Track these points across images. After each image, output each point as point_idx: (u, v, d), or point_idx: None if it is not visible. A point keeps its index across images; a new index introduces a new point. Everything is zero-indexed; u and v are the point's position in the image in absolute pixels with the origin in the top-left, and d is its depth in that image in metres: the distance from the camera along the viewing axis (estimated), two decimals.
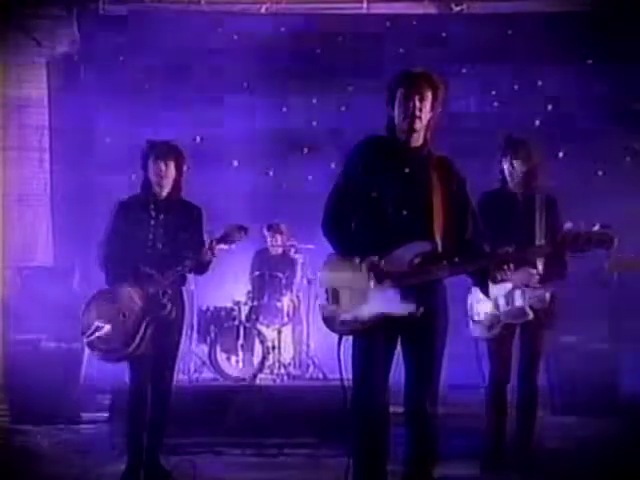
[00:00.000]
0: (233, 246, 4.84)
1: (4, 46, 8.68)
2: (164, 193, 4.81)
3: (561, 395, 6.98)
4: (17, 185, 8.83)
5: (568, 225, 3.80)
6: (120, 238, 4.78)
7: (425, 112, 3.76)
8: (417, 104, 3.73)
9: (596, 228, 3.69)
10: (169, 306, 4.65)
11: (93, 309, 4.69)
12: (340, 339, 3.77)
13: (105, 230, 4.87)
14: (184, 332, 5.00)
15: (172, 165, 4.77)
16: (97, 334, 4.62)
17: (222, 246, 4.69)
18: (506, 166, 5.07)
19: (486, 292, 4.05)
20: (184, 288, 4.94)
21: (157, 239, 4.75)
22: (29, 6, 8.70)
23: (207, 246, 4.62)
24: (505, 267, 3.75)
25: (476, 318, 5.10)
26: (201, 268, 4.84)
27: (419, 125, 3.77)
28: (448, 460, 4.25)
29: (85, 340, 4.69)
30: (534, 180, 5.06)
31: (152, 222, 4.76)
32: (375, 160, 3.81)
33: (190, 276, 4.98)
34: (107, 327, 4.61)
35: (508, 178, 5.08)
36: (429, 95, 3.77)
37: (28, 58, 8.90)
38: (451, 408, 5.34)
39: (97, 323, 4.63)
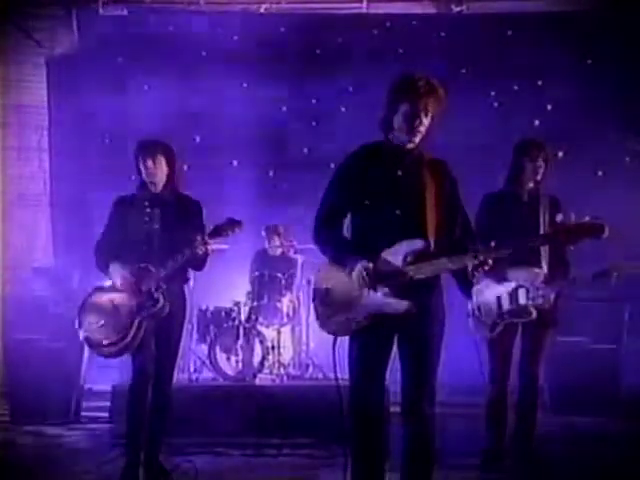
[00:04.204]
0: (227, 243, 4.81)
1: (4, 46, 8.70)
2: (158, 189, 4.84)
3: (561, 395, 6.97)
4: (17, 185, 8.83)
5: (559, 217, 3.79)
6: (116, 235, 4.83)
7: (426, 124, 3.74)
8: (423, 120, 3.71)
9: (587, 219, 3.69)
10: (161, 301, 4.64)
11: (88, 305, 4.77)
12: (335, 340, 3.76)
13: (103, 228, 4.92)
14: (185, 330, 4.99)
15: (162, 161, 4.80)
16: (91, 327, 4.68)
17: (215, 240, 4.67)
18: (524, 167, 5.04)
19: (468, 293, 3.92)
20: (185, 286, 4.93)
21: (153, 234, 4.77)
22: (29, 6, 8.71)
23: (199, 241, 4.59)
24: (483, 267, 3.65)
25: (478, 316, 5.10)
26: (197, 264, 4.82)
27: (419, 138, 3.77)
28: (447, 460, 4.24)
29: (81, 335, 4.74)
30: (542, 181, 5.06)
31: (146, 218, 4.79)
32: (368, 165, 3.79)
33: (190, 275, 4.97)
34: (101, 321, 4.67)
35: (520, 179, 5.06)
36: (433, 110, 3.73)
37: (28, 58, 8.92)
38: (451, 408, 5.33)
39: (91, 318, 4.70)
